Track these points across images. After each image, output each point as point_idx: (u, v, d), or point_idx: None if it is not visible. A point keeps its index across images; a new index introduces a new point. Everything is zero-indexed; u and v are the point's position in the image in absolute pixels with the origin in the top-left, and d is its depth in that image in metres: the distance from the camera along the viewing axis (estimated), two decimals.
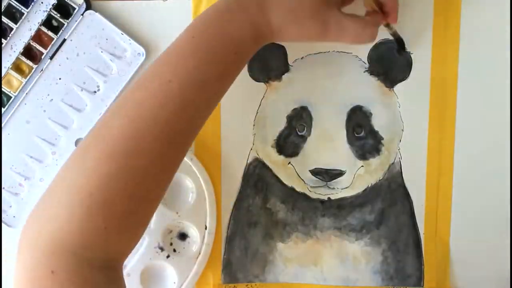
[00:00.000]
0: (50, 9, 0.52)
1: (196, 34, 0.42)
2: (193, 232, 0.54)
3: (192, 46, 0.41)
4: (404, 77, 0.53)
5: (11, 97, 0.53)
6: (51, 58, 0.53)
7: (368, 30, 0.46)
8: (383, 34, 0.52)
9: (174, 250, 0.55)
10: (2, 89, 0.53)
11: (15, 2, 0.52)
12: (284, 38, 0.45)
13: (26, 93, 0.53)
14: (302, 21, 0.44)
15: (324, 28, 0.44)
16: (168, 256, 0.54)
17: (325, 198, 0.54)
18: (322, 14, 0.44)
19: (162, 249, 0.54)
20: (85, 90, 0.53)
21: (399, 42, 0.52)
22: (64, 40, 0.53)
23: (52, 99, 0.53)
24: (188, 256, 0.54)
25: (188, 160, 0.54)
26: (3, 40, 0.52)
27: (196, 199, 0.54)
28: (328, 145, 0.53)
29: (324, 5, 0.44)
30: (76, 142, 0.54)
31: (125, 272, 0.54)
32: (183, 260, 0.54)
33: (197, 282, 0.55)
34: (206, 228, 0.54)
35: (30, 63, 0.53)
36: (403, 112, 0.53)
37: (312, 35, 0.45)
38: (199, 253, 0.54)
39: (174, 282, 0.54)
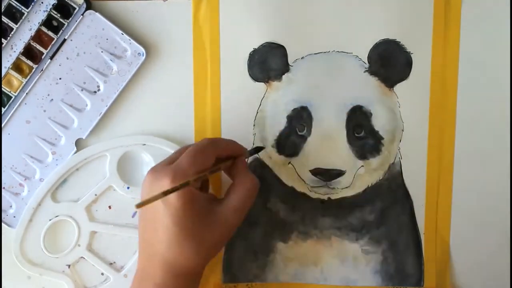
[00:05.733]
0: (50, 9, 0.52)
1: None
2: None
3: None
4: (404, 77, 0.53)
5: (11, 97, 0.53)
6: (51, 58, 0.53)
7: (248, 181, 0.47)
8: (383, 34, 0.52)
9: None
10: (2, 89, 0.53)
11: (15, 2, 0.52)
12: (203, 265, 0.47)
13: (26, 93, 0.53)
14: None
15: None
16: None
17: (325, 198, 0.54)
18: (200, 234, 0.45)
19: None
20: (85, 90, 0.53)
21: (257, 149, 0.53)
22: (64, 40, 0.53)
23: (52, 99, 0.53)
24: None
25: None
26: (3, 40, 0.52)
27: None
28: (328, 145, 0.53)
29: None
30: (76, 142, 0.54)
31: (122, 273, 0.54)
32: None
33: None
34: None
35: (30, 63, 0.53)
36: (403, 112, 0.53)
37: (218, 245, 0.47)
38: None
39: None
